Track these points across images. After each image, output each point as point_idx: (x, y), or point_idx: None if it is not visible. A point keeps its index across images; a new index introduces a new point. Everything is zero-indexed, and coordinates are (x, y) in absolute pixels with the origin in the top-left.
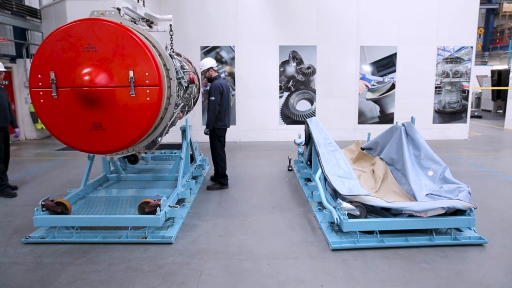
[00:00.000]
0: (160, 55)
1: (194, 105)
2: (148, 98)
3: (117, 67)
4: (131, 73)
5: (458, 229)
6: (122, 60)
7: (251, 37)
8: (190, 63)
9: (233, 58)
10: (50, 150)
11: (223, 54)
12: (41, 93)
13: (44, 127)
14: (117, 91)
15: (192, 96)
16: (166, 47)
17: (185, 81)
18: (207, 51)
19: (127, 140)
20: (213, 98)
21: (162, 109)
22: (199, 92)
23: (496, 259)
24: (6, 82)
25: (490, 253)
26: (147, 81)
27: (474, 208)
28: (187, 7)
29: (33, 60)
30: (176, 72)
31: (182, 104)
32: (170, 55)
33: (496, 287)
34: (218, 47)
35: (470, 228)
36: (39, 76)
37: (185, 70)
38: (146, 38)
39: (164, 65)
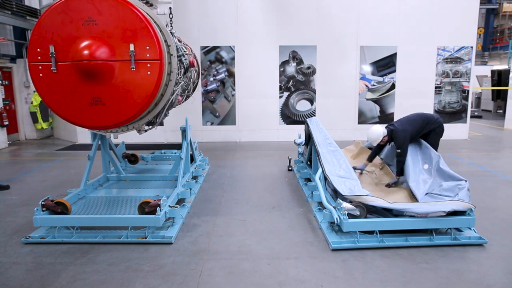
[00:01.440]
0: (161, 30)
1: (193, 91)
2: (148, 73)
3: (118, 40)
4: (131, 47)
5: (458, 229)
6: (123, 34)
7: (251, 37)
8: (190, 48)
9: (233, 58)
10: (50, 150)
11: (223, 54)
12: (40, 67)
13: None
14: (118, 65)
15: (191, 81)
16: (166, 25)
17: (185, 59)
18: (207, 51)
19: (127, 115)
20: (399, 150)
21: (163, 85)
22: (198, 78)
23: (496, 259)
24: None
25: (490, 253)
26: (148, 55)
27: (474, 208)
28: (187, 7)
29: (32, 33)
30: (177, 49)
31: (182, 82)
32: (171, 32)
33: (496, 287)
34: (218, 47)
35: (470, 228)
36: (38, 50)
37: (185, 52)
38: (146, 13)
39: (165, 41)
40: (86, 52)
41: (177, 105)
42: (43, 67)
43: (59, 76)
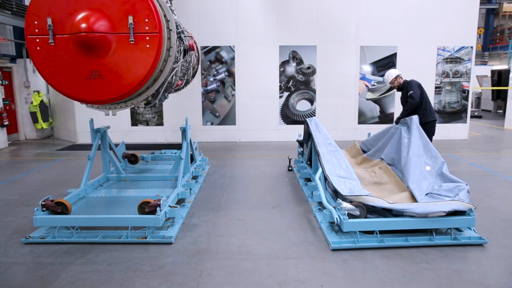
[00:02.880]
0: (160, 6)
1: (193, 77)
2: (147, 45)
3: (116, 13)
4: (130, 19)
5: (458, 229)
6: (121, 6)
7: (251, 37)
8: (190, 35)
9: (233, 58)
10: (50, 150)
11: (223, 54)
12: (37, 40)
13: (50, 83)
14: (116, 37)
15: (191, 66)
16: (166, 1)
17: (185, 36)
18: (207, 51)
19: (125, 89)
20: (412, 91)
21: (162, 60)
22: (198, 63)
23: (496, 259)
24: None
25: (490, 253)
26: (147, 28)
27: (474, 208)
28: (187, 7)
29: (29, 5)
30: (176, 26)
31: (182, 60)
32: (170, 9)
33: (496, 287)
34: (218, 47)
35: (470, 228)
36: (36, 22)
37: (185, 30)
38: None
39: (164, 16)
40: (84, 24)
41: (176, 88)
42: (41, 40)
43: (56, 49)
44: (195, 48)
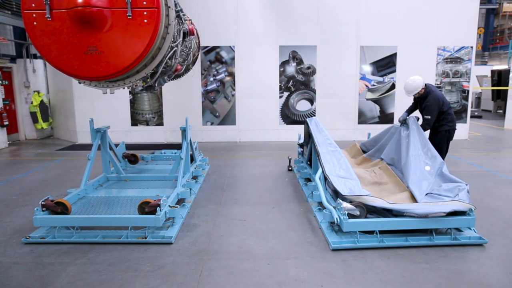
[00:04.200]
0: None
1: (193, 64)
2: (145, 21)
3: None
4: None
5: (458, 229)
6: None
7: (251, 37)
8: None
9: (233, 58)
10: (50, 150)
11: (223, 54)
12: (34, 15)
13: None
14: (114, 12)
15: (191, 52)
16: None
17: (184, 15)
18: (207, 51)
19: (123, 65)
20: (430, 117)
21: (159, 37)
22: (198, 50)
23: (496, 259)
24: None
25: (490, 253)
26: (144, 3)
27: (474, 208)
28: (187, 7)
29: None
30: (175, 4)
31: (180, 39)
32: None
33: (496, 287)
34: (218, 47)
35: (470, 228)
36: None
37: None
38: None
39: None
40: None
41: (176, 74)
42: (37, 15)
43: (53, 24)
44: (195, 33)
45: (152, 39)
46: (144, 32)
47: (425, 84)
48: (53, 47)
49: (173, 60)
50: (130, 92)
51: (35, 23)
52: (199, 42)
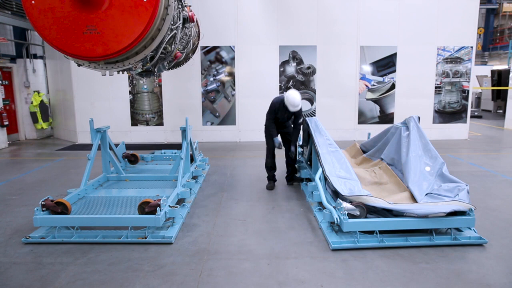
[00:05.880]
0: None
1: (193, 53)
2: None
3: None
4: None
5: (458, 229)
6: None
7: (251, 37)
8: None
9: (233, 58)
10: (50, 150)
11: (223, 54)
12: None
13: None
14: None
15: (191, 40)
16: None
17: (184, 0)
18: (207, 51)
19: (122, 44)
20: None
21: (159, 17)
22: (198, 39)
23: (496, 259)
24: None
25: (490, 253)
26: None
27: (474, 208)
28: None
29: None
30: None
31: (180, 22)
32: None
33: (496, 287)
34: (218, 47)
35: (470, 228)
36: None
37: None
38: None
39: None
40: None
41: (176, 62)
42: None
43: (52, 3)
44: (195, 20)
45: (152, 18)
46: (144, 11)
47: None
48: (52, 26)
49: (172, 46)
50: (130, 92)
51: (33, 1)
52: (199, 31)
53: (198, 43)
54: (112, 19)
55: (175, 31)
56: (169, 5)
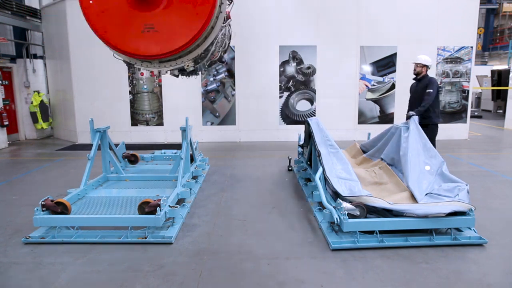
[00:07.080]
0: None
1: (225, 52)
2: None
3: None
4: None
5: (458, 229)
6: None
7: (251, 37)
8: None
9: (233, 58)
10: (50, 150)
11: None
12: None
13: (96, 32)
14: None
15: (226, 38)
16: None
17: None
18: None
19: (179, 43)
20: (432, 90)
21: (214, 16)
22: (230, 39)
23: (496, 259)
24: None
25: (490, 253)
26: None
27: (474, 209)
28: None
29: None
30: None
31: (229, 21)
32: None
33: (496, 287)
34: None
35: (470, 228)
36: None
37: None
38: None
39: None
40: None
41: (211, 61)
42: None
43: (110, 3)
44: (231, 18)
45: (209, 16)
46: (202, 9)
47: (428, 75)
48: (109, 26)
49: (213, 46)
50: (130, 92)
51: (91, 1)
52: (230, 30)
53: (229, 43)
54: (170, 18)
55: (224, 28)
56: (222, 2)
